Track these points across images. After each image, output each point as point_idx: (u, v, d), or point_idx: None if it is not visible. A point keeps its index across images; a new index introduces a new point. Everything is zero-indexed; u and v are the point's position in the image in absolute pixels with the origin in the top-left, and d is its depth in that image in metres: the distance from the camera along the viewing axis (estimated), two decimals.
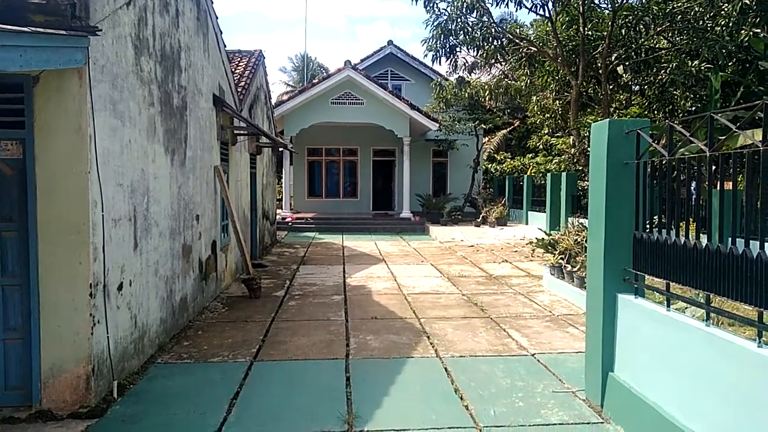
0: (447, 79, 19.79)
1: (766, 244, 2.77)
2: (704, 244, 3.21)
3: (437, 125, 20.78)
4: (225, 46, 9.21)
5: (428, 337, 6.19)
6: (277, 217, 18.76)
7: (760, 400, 2.67)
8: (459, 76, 17.41)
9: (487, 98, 18.74)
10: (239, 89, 10.92)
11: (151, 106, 5.57)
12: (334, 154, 24.64)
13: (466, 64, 15.82)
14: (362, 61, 24.79)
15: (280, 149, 16.65)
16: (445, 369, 5.15)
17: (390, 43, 25.43)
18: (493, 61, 14.39)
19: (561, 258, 9.10)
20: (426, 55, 13.69)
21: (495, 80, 18.81)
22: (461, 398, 4.44)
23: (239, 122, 10.07)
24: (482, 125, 22.77)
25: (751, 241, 2.94)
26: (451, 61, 14.28)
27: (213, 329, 6.50)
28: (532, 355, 5.61)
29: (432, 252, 14.02)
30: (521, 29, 15.91)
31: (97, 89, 4.25)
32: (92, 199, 4.18)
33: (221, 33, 8.85)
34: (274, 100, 19.45)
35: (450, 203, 22.49)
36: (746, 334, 3.36)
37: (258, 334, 6.28)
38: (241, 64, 12.74)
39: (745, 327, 3.94)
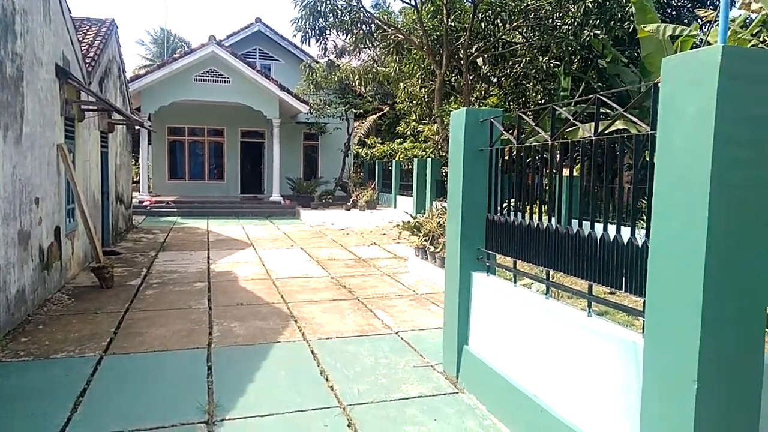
0: (318, 62, 19.62)
1: (596, 224, 3.10)
2: (545, 225, 3.51)
3: (308, 108, 20.56)
4: (70, 12, 8.31)
5: (296, 321, 6.15)
6: (134, 200, 17.49)
7: (590, 362, 3.00)
8: (329, 60, 17.35)
9: (357, 83, 18.90)
10: (88, 60, 9.93)
11: None
12: (198, 134, 23.44)
13: (336, 48, 15.82)
14: (228, 37, 23.74)
15: (137, 127, 15.47)
16: (312, 352, 5.16)
17: (258, 20, 24.60)
18: (362, 46, 14.54)
19: (425, 240, 9.50)
20: (295, 36, 13.47)
21: (365, 65, 19.00)
22: (327, 379, 4.49)
23: (88, 96, 9.18)
24: (353, 110, 22.93)
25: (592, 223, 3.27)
26: (321, 44, 14.18)
27: (57, 323, 5.92)
28: (396, 333, 5.81)
29: (302, 236, 13.93)
30: (390, 16, 16.20)
31: None
32: None
33: None
34: (130, 74, 18.02)
35: (321, 187, 22.46)
36: (582, 305, 3.74)
37: (109, 326, 5.83)
38: (90, 33, 11.58)
39: (582, 299, 4.40)
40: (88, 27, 11.96)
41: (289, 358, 5.00)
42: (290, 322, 6.14)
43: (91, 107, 9.40)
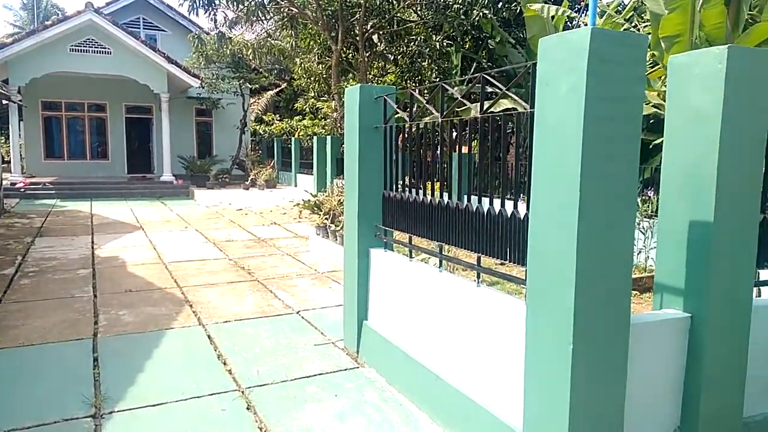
0: (208, 33, 18.70)
1: (483, 198, 3.23)
2: (437, 200, 3.62)
3: (199, 82, 19.59)
4: None
5: (191, 306, 5.93)
6: (5, 182, 15.90)
7: (479, 331, 3.16)
8: (219, 32, 16.53)
9: (251, 57, 18.22)
10: None
11: None
12: (77, 110, 21.63)
13: (227, 19, 15.13)
14: (108, 4, 21.99)
15: (5, 102, 14.01)
16: (209, 336, 5.01)
17: None
18: (254, 18, 14.02)
19: (326, 218, 9.46)
20: (182, 5, 12.72)
21: (259, 39, 18.37)
22: (224, 363, 4.38)
23: None
24: (248, 85, 22.16)
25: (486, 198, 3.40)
26: (210, 15, 13.51)
27: None
28: (297, 312, 5.78)
29: (197, 217, 13.40)
30: None
31: None
32: None
33: None
34: None
35: (216, 166, 21.65)
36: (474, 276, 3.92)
37: None
38: None
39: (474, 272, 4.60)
40: None
41: (183, 345, 4.82)
42: (185, 306, 5.91)
43: None
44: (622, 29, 10.23)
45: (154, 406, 3.65)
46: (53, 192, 17.38)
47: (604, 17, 10.51)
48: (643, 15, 11.58)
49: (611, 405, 2.53)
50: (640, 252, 6.67)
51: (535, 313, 2.59)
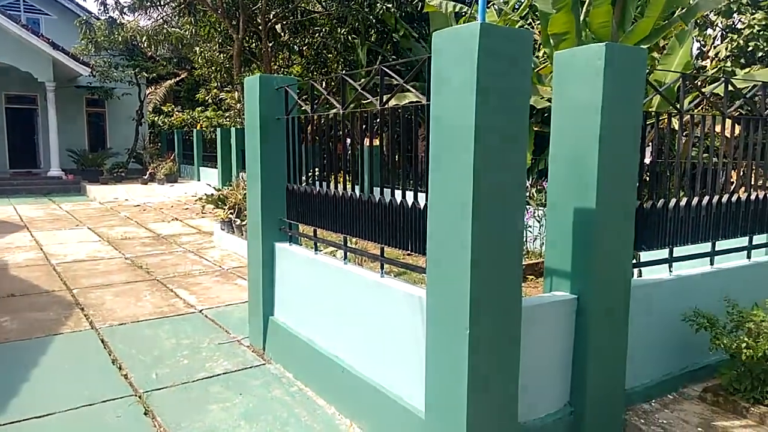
0: (99, 18, 17.46)
1: (386, 190, 3.27)
2: (340, 193, 3.61)
3: (89, 70, 18.27)
4: None
5: (82, 309, 5.56)
6: None
7: (384, 320, 3.20)
8: (109, 17, 15.48)
9: (146, 44, 17.24)
10: None
11: None
12: None
13: (118, 4, 14.20)
14: None
15: None
16: (102, 340, 4.72)
17: None
18: (149, 4, 13.28)
19: (231, 213, 9.17)
20: None
21: (155, 26, 17.42)
22: (120, 368, 4.15)
23: None
24: (144, 74, 20.96)
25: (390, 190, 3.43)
26: None
27: None
28: (200, 311, 5.58)
29: (90, 214, 12.56)
30: None
31: None
32: None
33: None
34: None
35: (111, 159, 20.34)
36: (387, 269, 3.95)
37: None
38: None
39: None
40: None
41: (73, 350, 4.51)
42: (75, 310, 5.52)
43: None
44: (517, 26, 10.70)
45: (39, 417, 3.39)
46: None
47: (501, 15, 10.93)
48: (537, 13, 12.16)
49: (506, 384, 2.65)
50: (536, 239, 7.05)
51: (435, 301, 2.66)
